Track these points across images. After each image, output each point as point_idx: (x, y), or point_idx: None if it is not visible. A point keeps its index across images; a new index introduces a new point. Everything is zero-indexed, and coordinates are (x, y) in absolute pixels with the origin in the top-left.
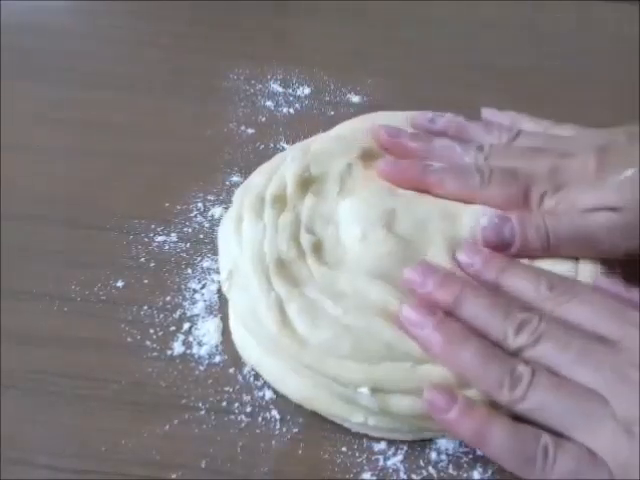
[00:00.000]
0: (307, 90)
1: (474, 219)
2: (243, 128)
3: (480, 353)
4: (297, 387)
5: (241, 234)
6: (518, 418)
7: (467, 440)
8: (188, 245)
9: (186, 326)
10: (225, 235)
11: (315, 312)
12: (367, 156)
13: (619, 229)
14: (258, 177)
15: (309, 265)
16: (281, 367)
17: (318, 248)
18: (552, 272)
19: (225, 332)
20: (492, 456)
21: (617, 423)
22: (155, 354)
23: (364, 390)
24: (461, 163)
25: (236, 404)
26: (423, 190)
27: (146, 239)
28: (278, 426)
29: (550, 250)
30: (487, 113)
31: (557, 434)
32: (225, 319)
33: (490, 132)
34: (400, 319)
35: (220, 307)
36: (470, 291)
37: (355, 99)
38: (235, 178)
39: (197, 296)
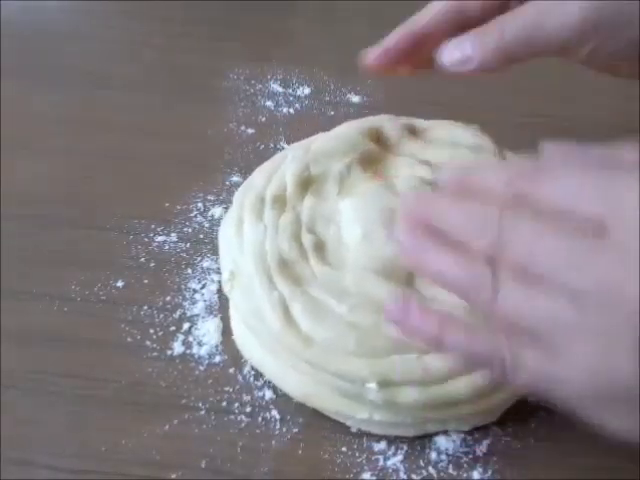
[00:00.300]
0: (307, 90)
1: None
2: (243, 128)
3: (452, 260)
4: (300, 385)
5: (242, 236)
6: None
7: (428, 344)
8: (188, 245)
9: (186, 326)
10: (226, 237)
11: (319, 310)
12: (367, 157)
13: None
14: (258, 177)
15: (311, 265)
16: (284, 366)
17: (320, 248)
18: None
19: (225, 332)
20: (455, 357)
21: (589, 331)
22: (155, 354)
23: (372, 385)
24: None
25: (236, 404)
26: None
27: (146, 239)
28: (278, 426)
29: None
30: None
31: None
32: (225, 319)
33: None
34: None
35: (220, 307)
36: (446, 202)
37: (355, 99)
38: (235, 178)
39: (197, 296)
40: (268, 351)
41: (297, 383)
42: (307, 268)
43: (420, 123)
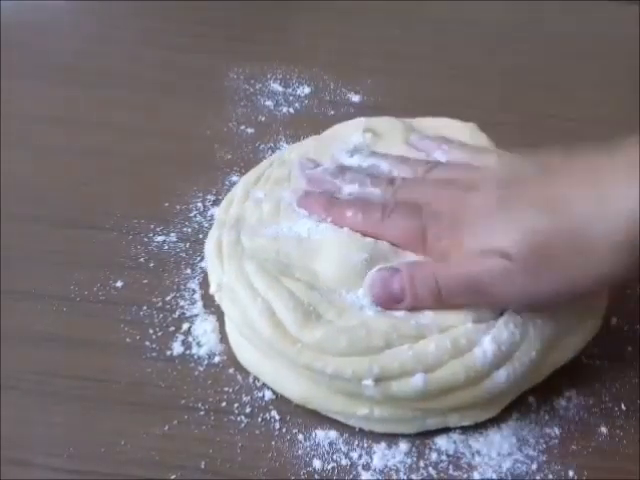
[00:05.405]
0: (307, 89)
1: None
2: (243, 127)
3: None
4: (298, 388)
5: (222, 252)
6: None
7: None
8: (187, 245)
9: (185, 326)
10: (209, 252)
11: (305, 313)
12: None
13: (509, 278)
14: (240, 191)
15: (294, 276)
16: (280, 369)
17: (298, 265)
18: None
19: (224, 332)
20: None
21: None
22: (154, 354)
23: (368, 382)
24: (369, 196)
25: (235, 405)
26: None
27: (145, 239)
28: (278, 427)
29: (444, 302)
30: (414, 139)
31: None
32: (224, 319)
33: (405, 163)
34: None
35: (219, 307)
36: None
37: (355, 99)
38: (235, 178)
39: (196, 296)
40: (264, 357)
41: (295, 386)
42: (289, 281)
43: (417, 122)
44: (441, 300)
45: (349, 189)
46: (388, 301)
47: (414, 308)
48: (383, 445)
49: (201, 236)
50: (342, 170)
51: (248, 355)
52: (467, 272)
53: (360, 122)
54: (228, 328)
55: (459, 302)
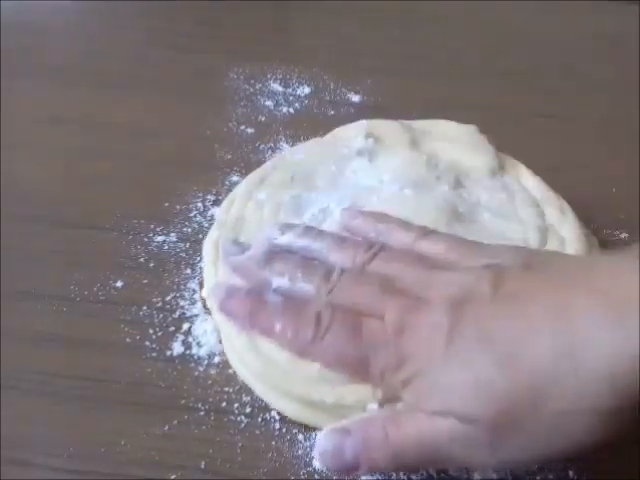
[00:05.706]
0: (307, 89)
1: None
2: (243, 127)
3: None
4: (289, 407)
5: (219, 255)
6: None
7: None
8: (187, 245)
9: (185, 326)
10: (207, 254)
11: None
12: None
13: (461, 442)
14: (240, 194)
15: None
16: (275, 391)
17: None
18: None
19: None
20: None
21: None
22: (154, 354)
23: (373, 406)
24: (300, 295)
25: (236, 405)
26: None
27: (145, 239)
28: (278, 426)
29: (399, 467)
30: (346, 216)
31: None
32: None
33: (342, 248)
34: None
35: None
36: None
37: (355, 99)
38: (235, 178)
39: (196, 296)
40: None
41: (287, 405)
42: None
43: (417, 123)
44: (396, 464)
45: (278, 282)
46: (343, 472)
47: (373, 471)
48: None
49: (201, 236)
50: (270, 258)
51: (241, 367)
52: (421, 435)
53: (362, 125)
54: (223, 335)
55: (413, 464)
